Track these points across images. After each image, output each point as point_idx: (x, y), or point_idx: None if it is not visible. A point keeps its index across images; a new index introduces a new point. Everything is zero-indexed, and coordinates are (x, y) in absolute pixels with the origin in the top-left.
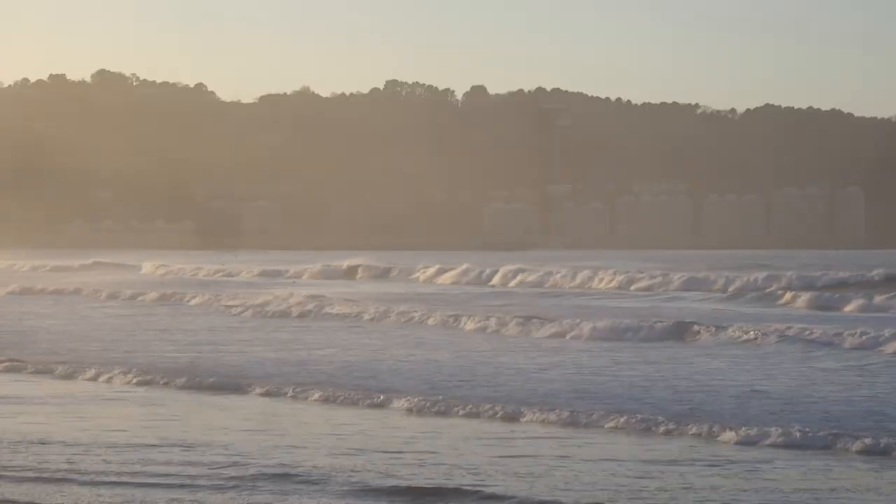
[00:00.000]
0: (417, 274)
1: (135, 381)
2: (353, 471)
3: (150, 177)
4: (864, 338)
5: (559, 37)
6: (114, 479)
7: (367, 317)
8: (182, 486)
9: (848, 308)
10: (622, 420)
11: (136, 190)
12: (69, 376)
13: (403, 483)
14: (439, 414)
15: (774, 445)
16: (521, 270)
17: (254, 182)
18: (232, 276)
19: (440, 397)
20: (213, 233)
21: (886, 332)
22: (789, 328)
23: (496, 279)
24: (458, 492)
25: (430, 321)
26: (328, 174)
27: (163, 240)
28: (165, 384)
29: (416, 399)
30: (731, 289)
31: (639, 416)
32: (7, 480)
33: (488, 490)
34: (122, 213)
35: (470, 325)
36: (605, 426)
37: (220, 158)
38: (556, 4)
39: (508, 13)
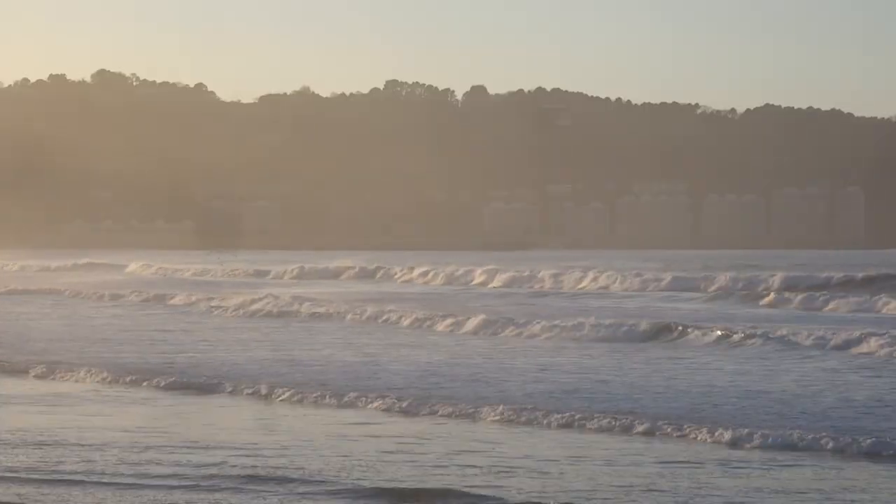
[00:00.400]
0: (402, 274)
1: (126, 380)
2: (345, 471)
3: (150, 177)
4: (825, 337)
5: (559, 37)
6: (132, 480)
7: (349, 317)
8: (196, 487)
9: (828, 308)
10: (621, 421)
11: (136, 190)
12: (50, 376)
13: (398, 484)
14: (432, 414)
15: (782, 447)
16: (500, 271)
17: (254, 182)
18: (221, 277)
19: (431, 397)
20: (213, 233)
21: (857, 333)
22: (755, 328)
23: (478, 279)
24: (459, 494)
25: (405, 322)
26: (328, 174)
27: (163, 240)
28: (154, 384)
29: (408, 400)
30: (711, 289)
31: (638, 416)
32: (23, 483)
33: (483, 492)
34: (122, 213)
35: (441, 327)
36: (605, 427)
37: (220, 158)
38: (556, 4)
39: (508, 13)
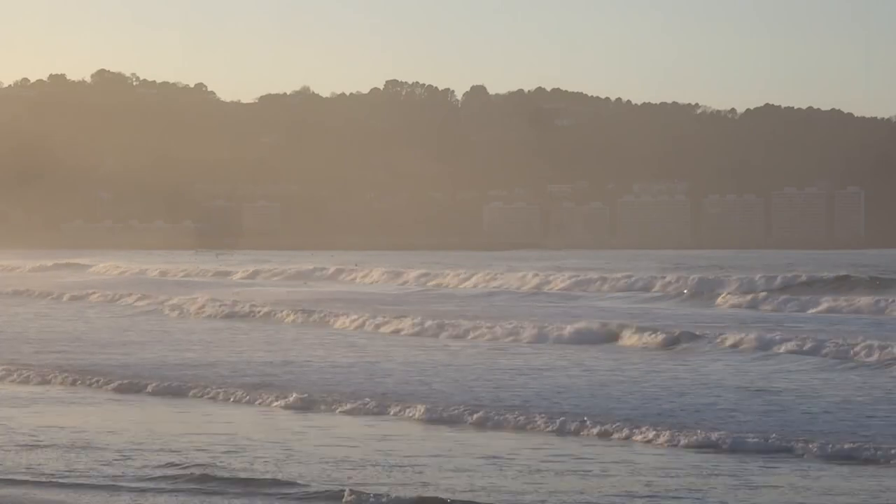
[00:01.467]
0: (358, 275)
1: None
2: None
3: (150, 177)
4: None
5: (559, 37)
6: (96, 481)
7: (288, 319)
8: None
9: (768, 308)
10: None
11: (136, 190)
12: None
13: (391, 492)
14: (436, 422)
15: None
16: (466, 272)
17: (254, 182)
18: (182, 277)
19: (436, 405)
20: (212, 233)
21: (779, 334)
22: (672, 329)
23: (448, 280)
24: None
25: (345, 322)
26: (328, 174)
27: (163, 240)
28: (104, 386)
29: (383, 404)
30: (654, 288)
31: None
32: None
33: (470, 498)
34: (122, 213)
35: (388, 329)
36: (616, 436)
37: (220, 158)
38: (556, 4)
39: (508, 13)
